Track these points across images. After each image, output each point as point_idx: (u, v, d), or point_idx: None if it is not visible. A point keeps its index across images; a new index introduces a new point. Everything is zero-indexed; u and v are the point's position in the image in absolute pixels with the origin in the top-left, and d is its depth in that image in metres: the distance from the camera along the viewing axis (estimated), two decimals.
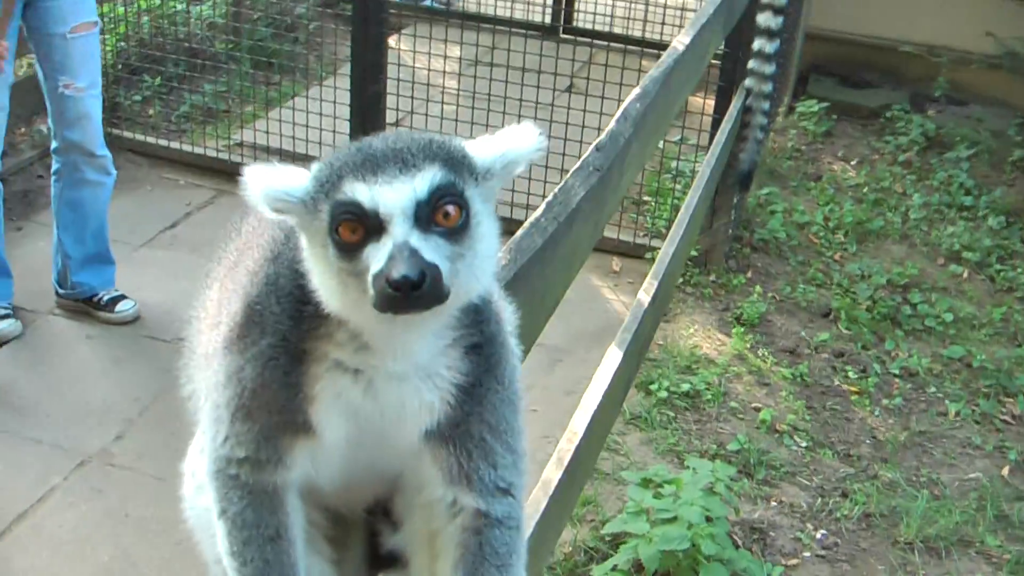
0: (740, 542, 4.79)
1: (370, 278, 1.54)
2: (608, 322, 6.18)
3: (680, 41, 4.33)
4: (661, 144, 7.52)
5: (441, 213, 1.57)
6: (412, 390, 1.70)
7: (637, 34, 9.04)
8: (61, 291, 6.04)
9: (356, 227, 1.56)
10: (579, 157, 3.22)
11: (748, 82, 6.69)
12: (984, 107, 9.15)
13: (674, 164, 7.52)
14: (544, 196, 2.93)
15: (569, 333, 6.18)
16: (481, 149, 1.67)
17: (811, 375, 6.02)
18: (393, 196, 1.55)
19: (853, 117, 9.23)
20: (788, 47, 7.82)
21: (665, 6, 8.55)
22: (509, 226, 2.72)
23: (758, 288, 6.69)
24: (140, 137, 7.86)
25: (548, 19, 9.92)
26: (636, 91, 3.72)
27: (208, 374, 1.79)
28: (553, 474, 3.41)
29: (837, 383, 6.00)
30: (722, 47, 6.83)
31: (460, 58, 8.09)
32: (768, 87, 6.61)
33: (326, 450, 1.72)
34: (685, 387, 5.72)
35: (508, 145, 1.68)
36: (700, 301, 6.61)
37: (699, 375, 5.84)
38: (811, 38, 9.34)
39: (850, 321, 6.49)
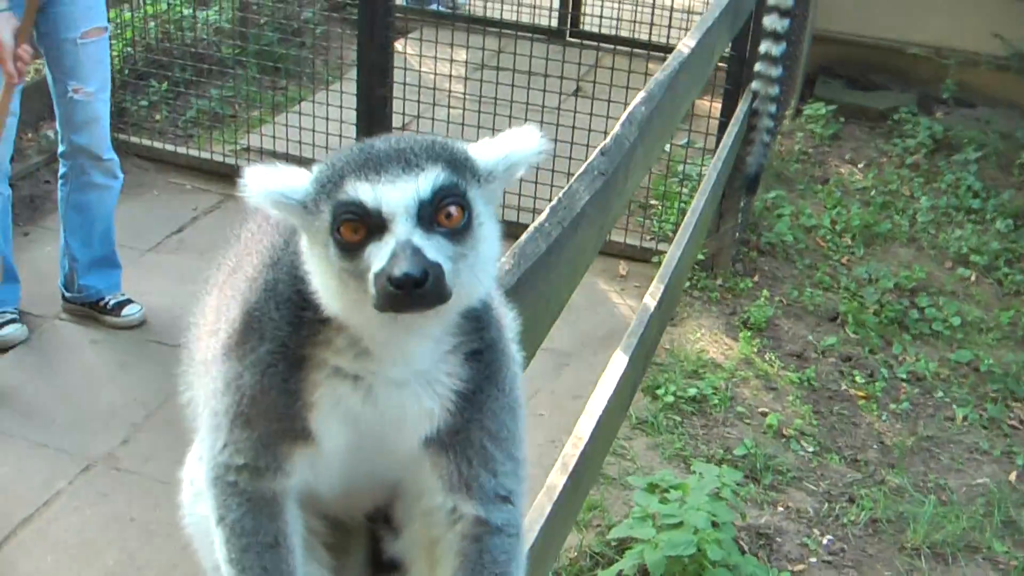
0: (746, 547, 4.78)
1: (371, 277, 1.54)
2: (615, 326, 6.17)
3: (686, 44, 4.32)
4: (668, 147, 7.52)
5: (444, 213, 1.57)
6: (412, 397, 1.69)
7: (644, 37, 9.03)
8: (67, 294, 6.04)
9: (358, 227, 1.56)
10: (585, 161, 3.21)
11: (755, 85, 6.68)
12: (992, 109, 9.13)
13: (681, 167, 7.51)
14: (550, 200, 2.92)
15: (576, 337, 6.18)
16: (483, 151, 1.67)
17: (818, 379, 6.00)
18: (396, 195, 1.55)
19: (861, 119, 9.20)
20: (795, 49, 7.80)
21: (672, 9, 8.54)
22: (515, 230, 2.72)
23: (765, 292, 6.68)
24: (147, 142, 7.86)
25: (555, 23, 9.92)
26: (641, 95, 3.72)
27: (207, 381, 1.78)
28: (558, 479, 3.40)
29: (844, 388, 5.99)
30: (728, 50, 6.82)
31: (467, 62, 8.09)
32: (775, 90, 6.60)
33: (325, 457, 1.71)
34: (692, 392, 5.71)
35: (510, 147, 1.68)
36: (707, 305, 6.60)
37: (706, 379, 5.83)
38: (818, 40, 9.32)
39: (857, 325, 6.48)
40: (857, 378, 6.06)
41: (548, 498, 3.31)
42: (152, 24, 8.55)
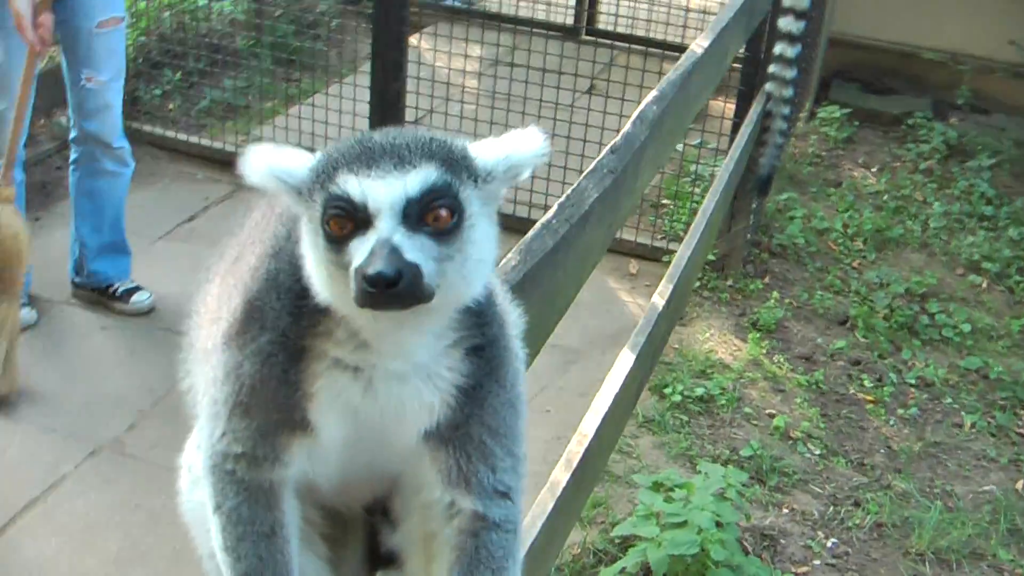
0: (750, 548, 4.77)
1: (352, 271, 1.53)
2: (624, 324, 6.16)
3: (699, 44, 4.31)
4: (680, 147, 7.51)
5: (432, 214, 1.55)
6: (412, 390, 1.69)
7: (660, 37, 9.03)
8: (77, 280, 6.06)
9: (345, 221, 1.56)
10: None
11: (769, 86, 6.67)
12: (1007, 116, 9.09)
13: (693, 167, 7.50)
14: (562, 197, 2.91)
15: (585, 335, 6.18)
16: (485, 151, 1.65)
17: (826, 383, 5.99)
18: (383, 191, 1.54)
19: (875, 124, 9.18)
20: (810, 52, 7.78)
21: (687, 9, 8.53)
22: (525, 226, 2.73)
23: (775, 294, 6.67)
24: (160, 131, 7.88)
25: (571, 20, 9.92)
26: (653, 94, 3.71)
27: (207, 369, 1.78)
28: (561, 475, 3.40)
29: (852, 391, 5.98)
30: (743, 51, 6.81)
31: (481, 58, 8.10)
32: (789, 92, 6.58)
33: (324, 448, 1.71)
34: (699, 391, 5.71)
35: (512, 148, 1.66)
36: (717, 306, 6.59)
37: (714, 380, 5.82)
38: (834, 43, 9.29)
39: (867, 329, 6.46)
40: (865, 382, 6.04)
41: (551, 494, 3.31)
42: (167, 14, 8.56)
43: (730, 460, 5.25)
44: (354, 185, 1.55)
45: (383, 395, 1.68)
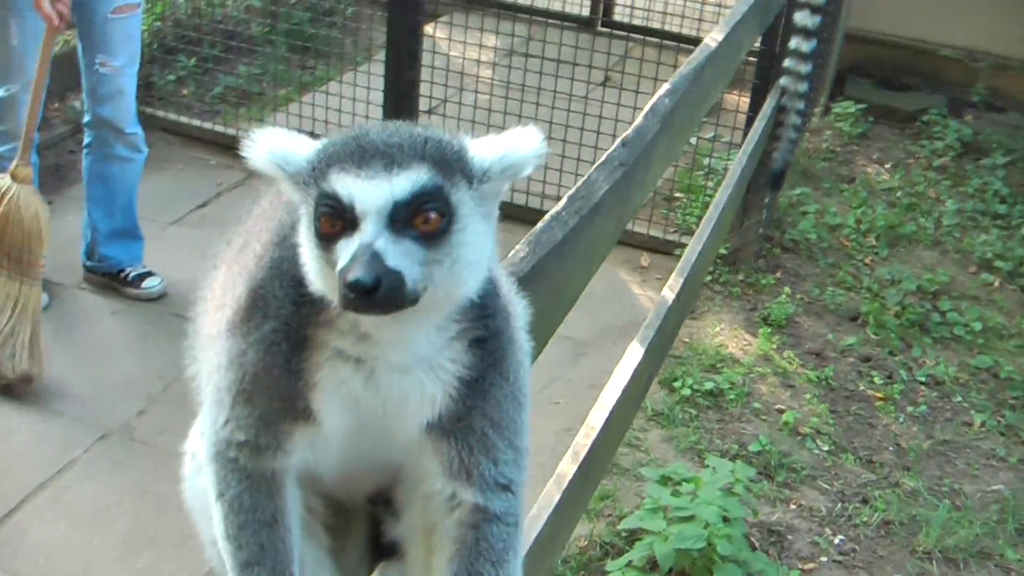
0: (757, 544, 4.77)
1: (337, 272, 1.53)
2: (635, 317, 6.16)
3: (713, 38, 4.31)
4: (694, 140, 7.50)
5: (421, 217, 1.54)
6: (414, 382, 1.68)
7: (676, 29, 9.01)
8: (88, 264, 6.07)
9: (335, 220, 1.55)
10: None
11: (783, 81, 6.65)
12: (1022, 114, 9.06)
13: (707, 161, 7.49)
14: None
15: (595, 327, 6.17)
16: (482, 149, 1.63)
17: (836, 379, 5.98)
18: (371, 193, 1.52)
19: (890, 120, 9.15)
20: (826, 47, 7.77)
21: (704, 2, 8.51)
22: (537, 216, 2.72)
23: (787, 289, 6.66)
24: (173, 116, 7.88)
25: (587, 12, 9.90)
26: (665, 87, 3.71)
27: (211, 356, 1.78)
28: (568, 468, 3.40)
29: (862, 388, 5.96)
30: (758, 45, 6.80)
31: (496, 48, 8.09)
32: (803, 86, 6.56)
33: (326, 438, 1.71)
34: (709, 385, 5.70)
35: (509, 148, 1.63)
36: (728, 300, 6.58)
37: (723, 374, 5.82)
38: (850, 39, 9.26)
39: (878, 326, 6.45)
40: (875, 379, 6.03)
41: (557, 486, 3.31)
42: (182, 0, 8.56)
43: (738, 455, 5.24)
44: (343, 185, 1.53)
45: (385, 386, 1.67)
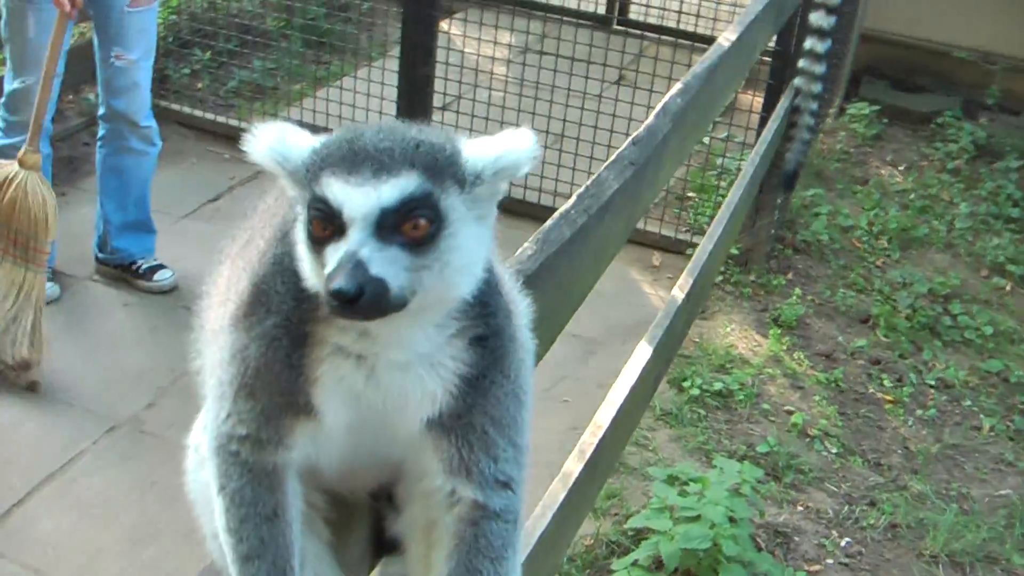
0: (763, 545, 4.76)
1: (325, 276, 1.53)
2: (645, 316, 6.15)
3: (726, 37, 4.30)
4: (707, 140, 7.49)
5: (410, 224, 1.53)
6: (414, 379, 1.68)
7: (691, 29, 9.00)
8: (100, 255, 6.09)
9: (326, 225, 1.55)
10: None
11: (797, 81, 6.64)
12: None
13: (720, 161, 7.48)
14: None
15: (605, 325, 6.17)
16: (476, 151, 1.62)
17: (846, 381, 5.97)
18: (359, 200, 1.52)
19: (904, 122, 9.12)
20: (841, 48, 7.75)
21: (719, 1, 8.50)
22: (547, 214, 2.73)
23: (798, 290, 6.65)
24: (187, 110, 7.90)
25: (602, 10, 9.89)
26: (677, 86, 3.71)
27: (214, 350, 1.79)
28: (574, 466, 3.41)
29: (872, 391, 5.95)
30: (773, 44, 6.79)
31: (511, 45, 8.08)
32: (818, 87, 6.55)
33: (327, 433, 1.71)
34: (718, 386, 5.69)
35: (502, 151, 1.62)
36: (739, 300, 6.58)
37: (733, 375, 5.81)
38: (866, 40, 9.25)
39: (889, 329, 6.44)
40: (885, 382, 6.02)
41: (563, 485, 3.32)
42: None
43: (746, 456, 5.24)
44: (333, 190, 1.53)
45: (385, 383, 1.68)
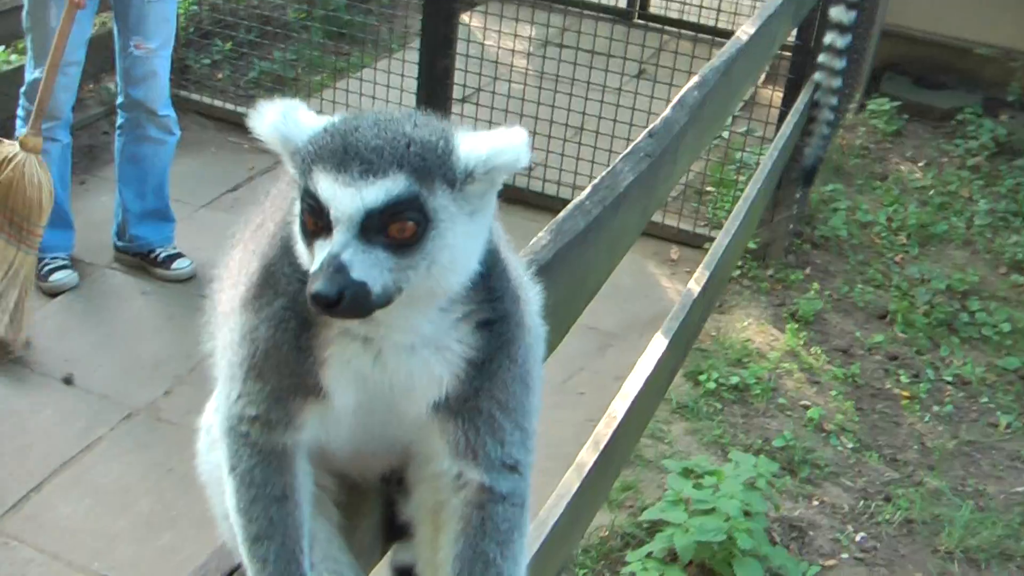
0: (778, 539, 4.76)
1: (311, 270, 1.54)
2: (662, 309, 6.14)
3: (745, 31, 4.30)
4: (726, 134, 7.48)
5: (397, 226, 1.53)
6: (420, 362, 1.69)
7: (712, 23, 8.98)
8: (119, 244, 6.12)
9: (316, 220, 1.55)
10: None
11: (817, 76, 6.63)
12: None
13: (739, 155, 7.47)
14: None
15: (623, 319, 6.18)
16: (470, 147, 1.59)
17: (863, 376, 5.96)
18: (346, 201, 1.52)
19: (924, 118, 9.08)
20: (862, 43, 7.73)
21: None
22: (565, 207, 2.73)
23: (815, 285, 6.64)
24: (208, 100, 7.92)
25: (623, 3, 9.87)
26: (695, 79, 3.71)
27: (226, 332, 1.80)
28: (588, 457, 3.42)
29: (888, 386, 5.94)
30: (793, 39, 6.78)
31: (531, 37, 8.08)
32: (837, 82, 6.54)
33: (336, 415, 1.71)
34: (734, 380, 5.69)
35: (493, 149, 1.59)
36: (756, 295, 6.57)
37: (749, 369, 5.81)
38: (887, 35, 9.21)
39: (906, 324, 6.42)
40: (902, 378, 6.01)
41: (577, 474, 3.33)
42: None
43: (762, 450, 5.24)
44: (322, 187, 1.53)
45: (392, 365, 1.68)
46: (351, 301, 1.50)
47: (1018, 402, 5.94)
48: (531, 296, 1.87)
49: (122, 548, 4.50)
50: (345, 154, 1.54)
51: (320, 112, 1.65)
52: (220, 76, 8.29)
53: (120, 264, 6.14)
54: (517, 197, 6.85)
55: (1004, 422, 5.75)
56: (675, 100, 3.53)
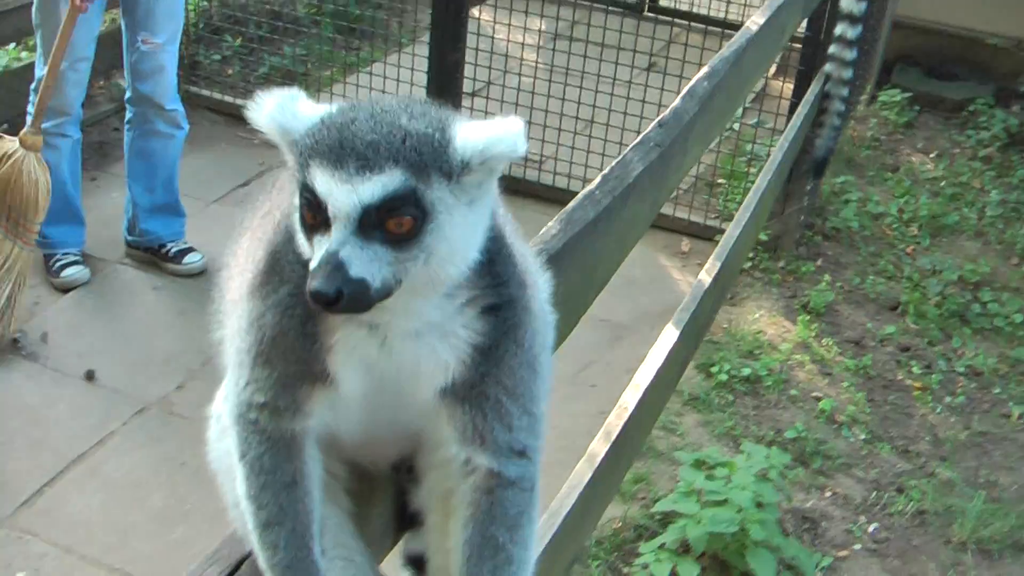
0: (790, 530, 4.76)
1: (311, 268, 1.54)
2: (673, 302, 6.12)
3: (754, 21, 4.29)
4: (737, 126, 7.47)
5: (394, 221, 1.53)
6: (426, 348, 1.68)
7: (722, 15, 8.96)
8: (129, 238, 6.13)
9: (315, 214, 1.55)
10: None
11: (828, 67, 6.61)
12: None
13: (749, 147, 7.46)
14: None
15: (634, 311, 6.18)
16: (467, 137, 1.58)
17: (874, 368, 5.95)
18: (342, 198, 1.51)
19: (936, 109, 9.06)
20: (873, 34, 7.71)
21: None
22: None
23: (827, 277, 6.63)
24: (218, 96, 7.92)
25: None
26: (704, 70, 3.70)
27: (234, 319, 1.80)
28: (600, 447, 3.42)
29: (900, 377, 5.94)
30: (804, 31, 6.77)
31: (541, 31, 8.08)
32: (848, 73, 6.53)
33: (343, 401, 1.72)
34: (746, 371, 5.69)
35: (489, 140, 1.58)
36: (768, 287, 6.56)
37: (761, 360, 5.80)
38: (899, 27, 9.18)
39: (918, 316, 6.41)
40: (914, 369, 6.00)
41: (589, 465, 3.33)
42: None
43: (774, 441, 5.23)
44: (319, 183, 1.53)
45: (398, 352, 1.68)
46: (350, 298, 1.50)
47: None
48: (539, 282, 1.87)
49: (135, 542, 4.51)
50: (341, 149, 1.54)
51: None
52: (230, 72, 8.30)
53: (131, 259, 6.15)
54: (528, 190, 6.86)
55: (1016, 413, 5.75)
56: (685, 90, 3.52)
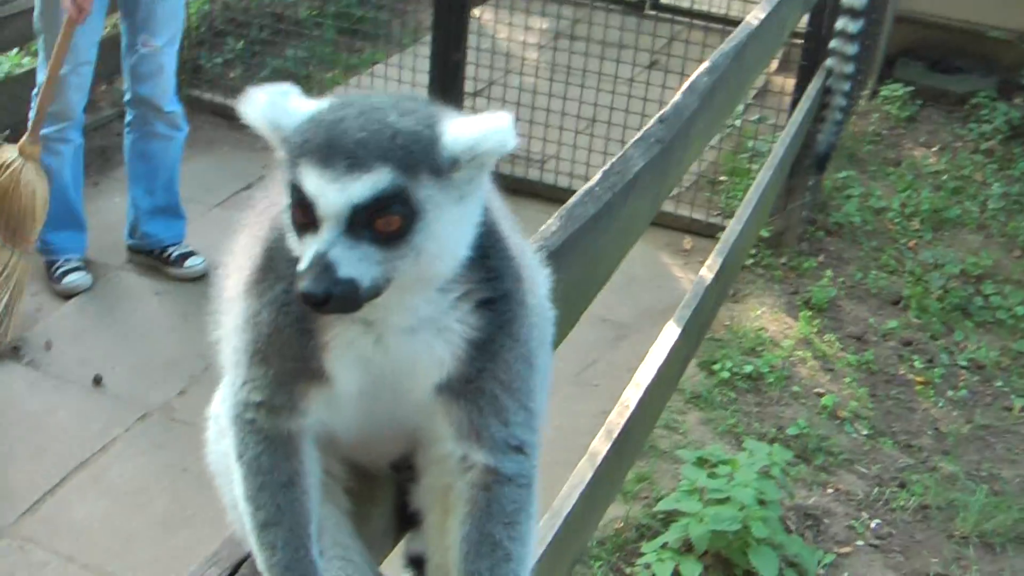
0: (793, 527, 4.76)
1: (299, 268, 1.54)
2: (676, 300, 6.10)
3: (755, 16, 4.29)
4: (739, 122, 7.47)
5: (383, 220, 1.52)
6: (422, 344, 1.68)
7: (723, 12, 8.95)
8: (131, 241, 6.13)
9: (305, 213, 1.54)
10: None
11: (830, 62, 6.61)
12: None
13: (751, 143, 7.46)
14: None
15: (636, 309, 6.17)
16: (457, 132, 1.57)
17: (877, 363, 5.95)
18: (330, 198, 1.51)
19: (938, 103, 9.03)
20: (875, 28, 7.70)
21: None
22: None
23: (829, 272, 6.62)
24: (220, 99, 7.91)
25: None
26: (705, 65, 3.70)
27: (231, 318, 1.80)
28: (601, 446, 3.42)
29: (903, 372, 5.93)
30: (805, 25, 6.76)
31: (543, 30, 8.08)
32: (850, 68, 6.52)
33: (340, 399, 1.71)
34: (748, 368, 5.69)
35: (478, 136, 1.57)
36: (770, 283, 6.56)
37: (763, 357, 5.80)
38: (900, 20, 9.16)
39: (920, 310, 6.41)
40: (916, 363, 5.99)
41: (590, 464, 3.33)
42: None
43: (776, 438, 5.23)
44: (308, 182, 1.52)
45: (394, 348, 1.67)
46: (339, 299, 1.50)
47: None
48: (536, 276, 1.87)
49: (138, 549, 4.51)
50: (330, 148, 1.53)
51: None
52: (233, 75, 8.29)
53: (133, 265, 6.14)
54: (529, 189, 6.85)
55: (1019, 405, 5.74)
56: (685, 85, 3.52)
